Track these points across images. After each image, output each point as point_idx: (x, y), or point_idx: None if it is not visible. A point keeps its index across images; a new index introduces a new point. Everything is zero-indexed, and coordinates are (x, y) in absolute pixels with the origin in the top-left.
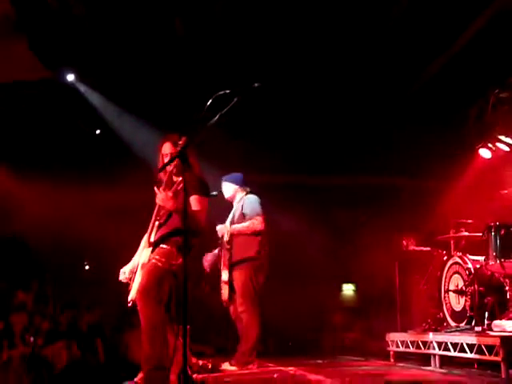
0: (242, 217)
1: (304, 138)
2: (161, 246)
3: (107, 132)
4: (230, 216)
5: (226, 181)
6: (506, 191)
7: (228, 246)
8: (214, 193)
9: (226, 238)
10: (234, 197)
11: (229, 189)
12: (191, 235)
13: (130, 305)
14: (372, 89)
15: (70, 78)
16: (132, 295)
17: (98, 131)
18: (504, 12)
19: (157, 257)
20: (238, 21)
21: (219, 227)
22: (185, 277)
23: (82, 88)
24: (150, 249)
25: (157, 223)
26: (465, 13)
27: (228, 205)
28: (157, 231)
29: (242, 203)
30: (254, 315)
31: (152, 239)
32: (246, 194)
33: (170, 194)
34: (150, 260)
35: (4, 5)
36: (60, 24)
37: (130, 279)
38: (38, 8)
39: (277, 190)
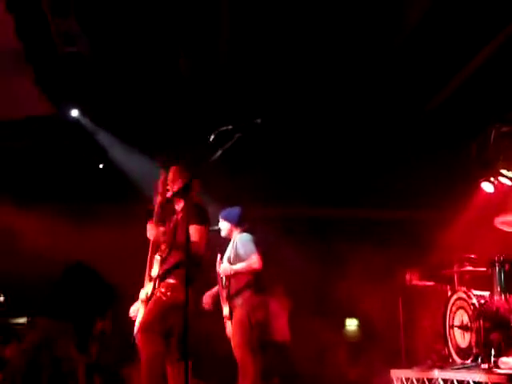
0: (237, 257)
1: (306, 171)
2: (166, 280)
3: (111, 167)
4: (227, 254)
5: (221, 217)
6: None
7: (226, 283)
8: (216, 227)
9: (223, 279)
10: (229, 235)
11: (224, 227)
12: (194, 266)
13: (132, 341)
14: (375, 122)
15: (75, 113)
16: (136, 330)
17: (101, 166)
18: (505, 47)
19: (162, 290)
20: (242, 58)
21: (222, 268)
22: (185, 309)
23: (87, 124)
24: (151, 284)
25: (158, 258)
26: (467, 47)
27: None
28: (160, 265)
29: (236, 243)
30: (249, 352)
31: (153, 273)
32: (239, 232)
33: (161, 229)
34: (154, 294)
35: (12, 40)
36: (65, 61)
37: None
38: (44, 45)
39: (278, 222)
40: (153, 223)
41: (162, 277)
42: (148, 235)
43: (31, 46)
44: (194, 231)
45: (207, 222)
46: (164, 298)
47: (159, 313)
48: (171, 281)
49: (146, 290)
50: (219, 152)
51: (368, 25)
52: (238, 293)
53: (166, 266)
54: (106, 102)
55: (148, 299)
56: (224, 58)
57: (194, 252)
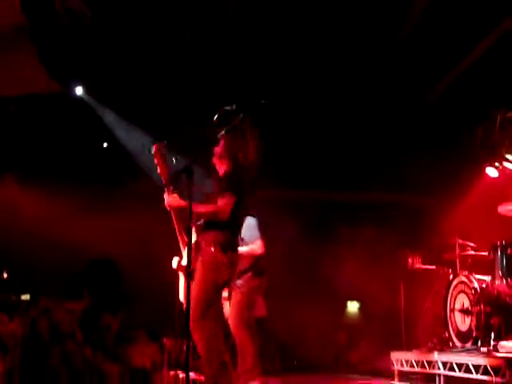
0: (241, 240)
1: (309, 155)
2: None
3: (115, 145)
4: None
5: None
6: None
7: None
8: None
9: None
10: None
11: None
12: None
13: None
14: (379, 107)
15: (79, 91)
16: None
17: (105, 144)
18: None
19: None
20: (247, 37)
21: None
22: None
23: (91, 102)
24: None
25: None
26: (471, 33)
27: None
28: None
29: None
30: (247, 332)
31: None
32: (246, 216)
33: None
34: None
35: (17, 16)
36: (70, 38)
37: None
38: (49, 21)
39: (281, 205)
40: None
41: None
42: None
43: (36, 23)
44: (221, 199)
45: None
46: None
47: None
48: (212, 249)
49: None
50: (223, 131)
51: (372, 17)
52: (238, 275)
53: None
54: (110, 80)
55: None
56: (230, 35)
57: (219, 218)
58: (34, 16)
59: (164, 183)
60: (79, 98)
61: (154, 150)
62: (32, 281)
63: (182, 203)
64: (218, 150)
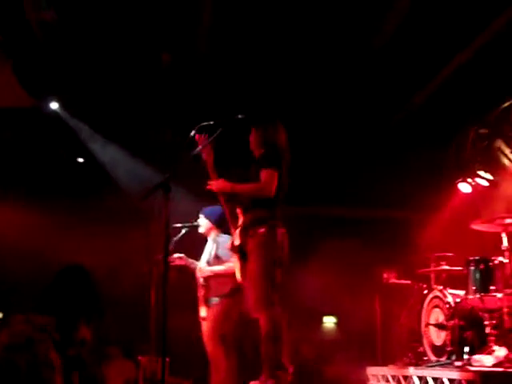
0: (217, 259)
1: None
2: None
3: (91, 161)
4: (206, 254)
5: (202, 214)
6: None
7: (204, 283)
8: (195, 223)
9: (201, 279)
10: (208, 233)
11: (203, 224)
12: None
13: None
14: (353, 122)
15: (54, 106)
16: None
17: (80, 160)
18: (485, 48)
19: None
20: (223, 55)
21: (200, 269)
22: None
23: (66, 117)
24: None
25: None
26: (445, 50)
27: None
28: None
29: (216, 245)
30: (221, 348)
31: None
32: (219, 233)
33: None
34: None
35: None
36: (45, 53)
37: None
38: (23, 34)
39: None
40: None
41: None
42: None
43: (9, 35)
44: (264, 174)
45: (277, 165)
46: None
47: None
48: (262, 230)
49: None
50: (200, 147)
51: (345, 29)
52: (215, 293)
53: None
54: (86, 96)
55: (240, 247)
56: (205, 52)
57: (265, 195)
58: (7, 28)
59: (209, 169)
60: (54, 113)
61: (197, 136)
62: (4, 298)
63: (228, 186)
64: (252, 140)
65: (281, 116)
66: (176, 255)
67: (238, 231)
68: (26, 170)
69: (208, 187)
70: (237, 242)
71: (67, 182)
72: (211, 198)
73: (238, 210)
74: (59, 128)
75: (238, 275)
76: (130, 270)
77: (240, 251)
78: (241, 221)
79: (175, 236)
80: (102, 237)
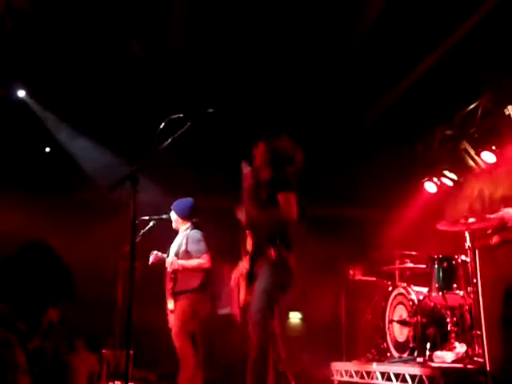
0: (187, 253)
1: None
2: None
3: (57, 151)
4: (175, 247)
5: (172, 207)
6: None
7: (172, 276)
8: (165, 216)
9: (169, 270)
10: (177, 226)
11: (174, 218)
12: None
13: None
14: (321, 121)
15: (21, 94)
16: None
17: (47, 149)
18: (452, 51)
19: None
20: (196, 45)
21: (170, 261)
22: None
23: (34, 106)
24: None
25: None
26: (416, 50)
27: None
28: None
29: (186, 239)
30: (189, 344)
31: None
32: (190, 228)
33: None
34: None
35: None
36: (13, 40)
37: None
38: None
39: (227, 215)
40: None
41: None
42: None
43: None
44: (283, 198)
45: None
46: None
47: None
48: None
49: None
50: (169, 140)
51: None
52: (184, 287)
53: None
54: (54, 84)
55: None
56: (177, 43)
57: (288, 220)
58: None
59: (246, 196)
60: (21, 101)
61: (244, 169)
62: None
63: (257, 214)
64: (260, 155)
65: (251, 114)
66: (151, 255)
67: (248, 256)
68: None
69: (238, 216)
70: (244, 270)
71: (33, 172)
72: (179, 191)
73: (248, 233)
74: (26, 117)
75: (242, 298)
76: (97, 262)
77: (249, 277)
78: (250, 244)
79: (143, 228)
80: (68, 229)
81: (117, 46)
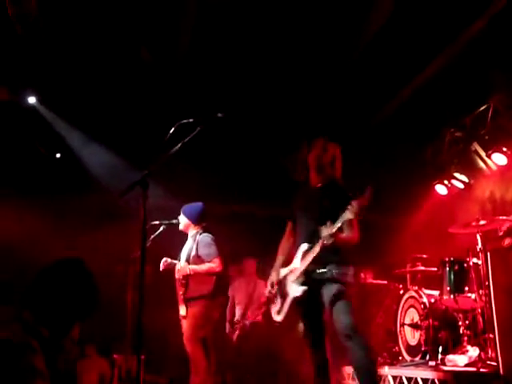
0: (198, 258)
1: (258, 170)
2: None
3: (69, 156)
4: (185, 252)
5: (182, 211)
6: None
7: (183, 281)
8: (174, 221)
9: (178, 277)
10: (187, 230)
11: (182, 221)
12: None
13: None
14: (329, 123)
15: (32, 100)
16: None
17: (58, 155)
18: (462, 54)
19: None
20: (204, 53)
21: (180, 267)
22: (141, 294)
23: (44, 111)
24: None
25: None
26: (425, 52)
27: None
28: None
29: (197, 243)
30: (201, 349)
31: None
32: (200, 232)
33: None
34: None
35: None
36: (24, 47)
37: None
38: (1, 29)
39: (237, 220)
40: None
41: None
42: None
43: None
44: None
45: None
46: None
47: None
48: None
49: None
50: (179, 145)
51: (318, 45)
52: (195, 293)
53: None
54: (64, 90)
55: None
56: (186, 48)
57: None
58: None
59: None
60: (32, 107)
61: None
62: None
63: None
64: (324, 157)
65: (259, 119)
66: (162, 261)
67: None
68: (1, 165)
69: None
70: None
71: (44, 178)
72: (189, 196)
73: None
74: (37, 123)
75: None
76: (108, 267)
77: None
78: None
79: (153, 233)
80: (79, 234)
81: (126, 52)
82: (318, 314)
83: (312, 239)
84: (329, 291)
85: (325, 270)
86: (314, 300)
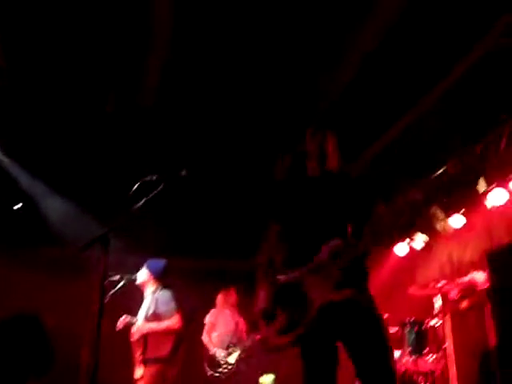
0: (157, 315)
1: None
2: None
3: (29, 207)
4: (144, 310)
5: (145, 265)
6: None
7: (141, 342)
8: (133, 276)
9: (136, 337)
10: (144, 285)
11: (144, 276)
12: None
13: None
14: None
15: None
16: None
17: (18, 205)
18: (421, 117)
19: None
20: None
21: (138, 327)
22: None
23: (6, 162)
24: None
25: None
26: (389, 115)
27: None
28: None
29: (156, 300)
30: None
31: None
32: (160, 288)
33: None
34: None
35: None
36: None
37: None
38: None
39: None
40: None
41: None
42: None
43: None
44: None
45: None
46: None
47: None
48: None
49: None
50: (142, 202)
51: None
52: (154, 354)
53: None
54: (25, 140)
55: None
56: (151, 103)
57: None
58: None
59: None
60: None
61: None
62: None
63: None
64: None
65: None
66: (121, 318)
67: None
68: None
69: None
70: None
71: (1, 229)
72: (152, 251)
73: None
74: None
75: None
76: (64, 322)
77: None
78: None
79: (112, 289)
80: (36, 287)
81: (92, 103)
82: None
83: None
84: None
85: None
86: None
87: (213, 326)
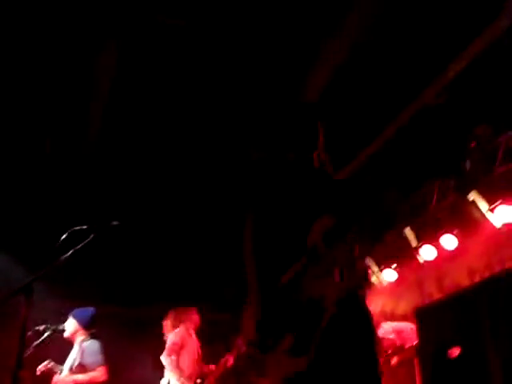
0: (82, 367)
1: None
2: None
3: None
4: (70, 361)
5: (72, 315)
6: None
7: None
8: (60, 327)
9: None
10: (73, 337)
11: (71, 326)
12: None
13: None
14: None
15: None
16: None
17: None
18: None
19: None
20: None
21: (62, 379)
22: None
23: None
24: None
25: None
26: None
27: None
28: None
29: (82, 351)
30: None
31: None
32: (87, 338)
33: None
34: None
35: None
36: None
37: None
38: None
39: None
40: None
41: None
42: None
43: None
44: None
45: None
46: None
47: None
48: None
49: None
50: (70, 252)
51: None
52: None
53: None
54: None
55: None
56: (92, 149)
57: None
58: None
59: None
60: None
61: None
62: None
63: None
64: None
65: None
66: (44, 363)
67: None
68: None
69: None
70: None
71: None
72: (80, 300)
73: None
74: None
75: None
76: None
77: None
78: None
79: (36, 339)
80: None
81: (28, 150)
82: None
83: None
84: None
85: None
86: None
87: (180, 349)
